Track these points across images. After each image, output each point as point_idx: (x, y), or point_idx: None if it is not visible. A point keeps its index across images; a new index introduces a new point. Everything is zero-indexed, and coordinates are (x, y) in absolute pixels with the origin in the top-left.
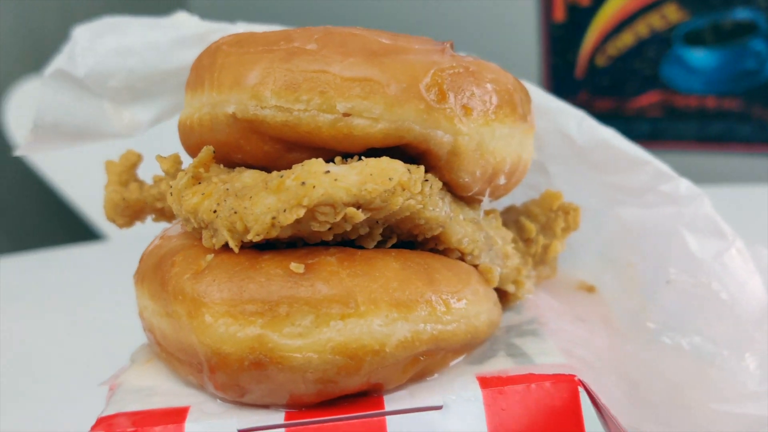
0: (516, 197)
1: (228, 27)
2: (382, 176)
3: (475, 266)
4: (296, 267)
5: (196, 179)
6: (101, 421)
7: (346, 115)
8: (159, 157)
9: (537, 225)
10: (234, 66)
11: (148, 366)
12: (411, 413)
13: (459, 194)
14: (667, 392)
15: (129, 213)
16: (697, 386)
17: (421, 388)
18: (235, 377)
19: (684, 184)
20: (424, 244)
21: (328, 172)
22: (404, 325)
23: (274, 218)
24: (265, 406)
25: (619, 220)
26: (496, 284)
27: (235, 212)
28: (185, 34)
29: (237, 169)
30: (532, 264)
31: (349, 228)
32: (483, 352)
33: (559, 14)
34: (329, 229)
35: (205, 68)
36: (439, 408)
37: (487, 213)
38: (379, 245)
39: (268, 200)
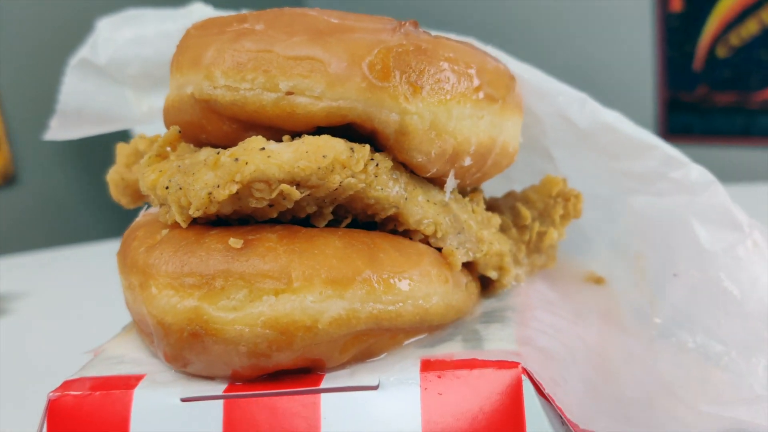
0: (526, 182)
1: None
2: (317, 153)
3: (440, 249)
4: (234, 242)
5: (161, 158)
6: (65, 384)
7: (288, 93)
8: (140, 138)
9: (534, 211)
10: (193, 48)
11: (127, 336)
12: (346, 392)
13: (419, 175)
14: (653, 391)
15: (130, 192)
16: (692, 387)
17: (364, 368)
18: (177, 347)
19: (696, 171)
20: (384, 225)
21: (263, 149)
22: (338, 302)
23: (210, 194)
24: (211, 378)
25: (631, 209)
26: (458, 268)
27: (181, 188)
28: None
29: (202, 148)
30: (526, 252)
31: (290, 205)
32: (441, 336)
33: (676, 4)
34: (271, 206)
35: (176, 52)
36: (374, 388)
37: (471, 197)
38: (333, 224)
39: (206, 176)
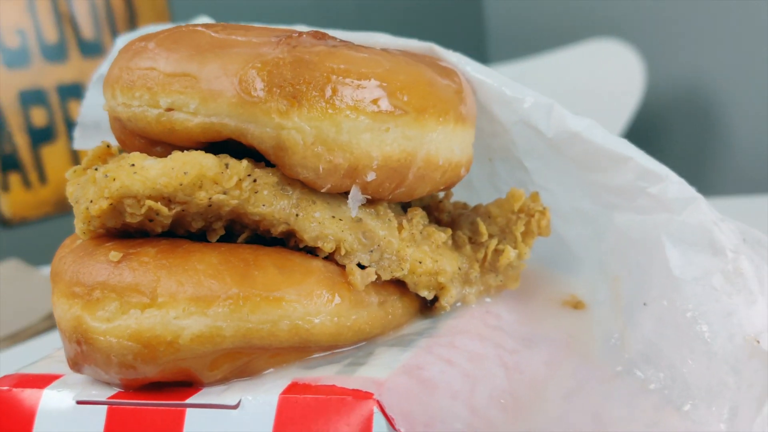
0: None
1: None
2: (179, 170)
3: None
4: (114, 256)
5: (85, 171)
6: (2, 379)
7: (168, 110)
8: (83, 153)
9: (495, 228)
10: (110, 66)
11: None
12: (209, 408)
13: (316, 190)
14: None
15: None
16: None
17: (239, 385)
18: (71, 353)
19: (674, 186)
20: (287, 240)
21: (133, 165)
22: (201, 319)
23: (87, 209)
24: (108, 384)
25: (614, 226)
26: (360, 287)
27: (77, 202)
28: None
29: None
30: (480, 271)
31: (167, 221)
32: (333, 357)
33: None
34: (151, 221)
35: None
36: (233, 407)
37: (409, 212)
38: (228, 239)
39: (89, 191)
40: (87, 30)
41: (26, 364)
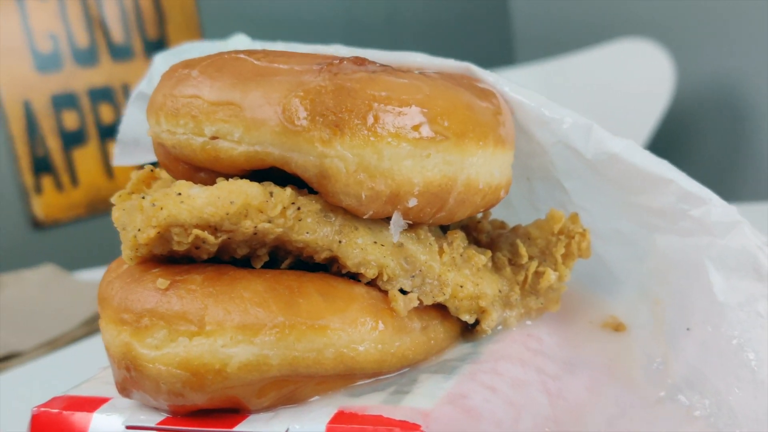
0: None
1: (269, 45)
2: (225, 199)
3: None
4: (161, 283)
5: (131, 195)
6: (51, 401)
7: (213, 138)
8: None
9: (535, 249)
10: (154, 92)
11: None
12: None
13: (358, 216)
14: None
15: None
16: None
17: (286, 413)
18: (119, 378)
19: (717, 210)
20: (330, 266)
21: (179, 194)
22: (248, 348)
23: (135, 237)
24: (156, 409)
25: (655, 248)
26: (403, 313)
27: (124, 228)
28: None
29: None
30: (520, 293)
31: (213, 249)
32: (377, 384)
33: None
34: (198, 248)
35: None
36: None
37: (448, 235)
38: (272, 265)
39: (137, 219)
40: (117, 34)
41: (66, 373)
